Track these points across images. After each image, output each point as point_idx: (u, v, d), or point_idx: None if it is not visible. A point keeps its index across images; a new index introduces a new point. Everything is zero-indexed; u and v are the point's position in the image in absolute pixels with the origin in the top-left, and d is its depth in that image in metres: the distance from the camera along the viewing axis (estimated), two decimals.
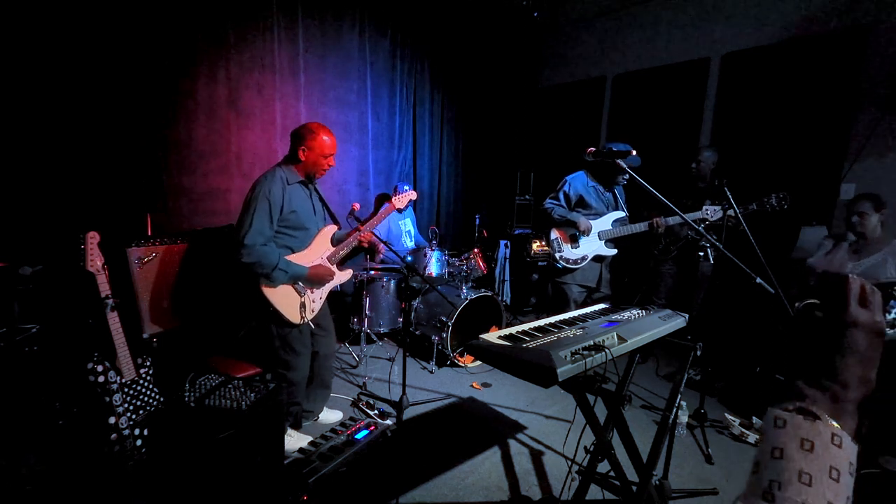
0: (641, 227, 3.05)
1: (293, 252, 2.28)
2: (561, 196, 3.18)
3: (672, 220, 3.02)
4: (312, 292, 2.36)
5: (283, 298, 2.23)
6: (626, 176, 3.02)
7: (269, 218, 2.15)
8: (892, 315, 2.06)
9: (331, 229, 2.46)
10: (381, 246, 2.63)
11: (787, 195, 2.65)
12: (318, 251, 2.38)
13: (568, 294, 3.19)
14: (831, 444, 0.46)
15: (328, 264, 2.39)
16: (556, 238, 3.18)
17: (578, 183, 3.17)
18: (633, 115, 4.89)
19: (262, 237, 2.13)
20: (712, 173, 3.48)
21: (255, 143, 3.52)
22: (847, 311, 0.51)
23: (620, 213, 3.19)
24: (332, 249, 2.42)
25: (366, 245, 2.48)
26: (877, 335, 0.50)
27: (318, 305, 2.41)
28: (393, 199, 2.70)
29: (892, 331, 1.76)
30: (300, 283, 2.28)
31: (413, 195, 2.81)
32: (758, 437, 2.55)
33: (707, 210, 2.87)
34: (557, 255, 3.16)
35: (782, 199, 2.65)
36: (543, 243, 3.29)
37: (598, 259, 3.17)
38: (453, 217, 5.34)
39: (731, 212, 2.40)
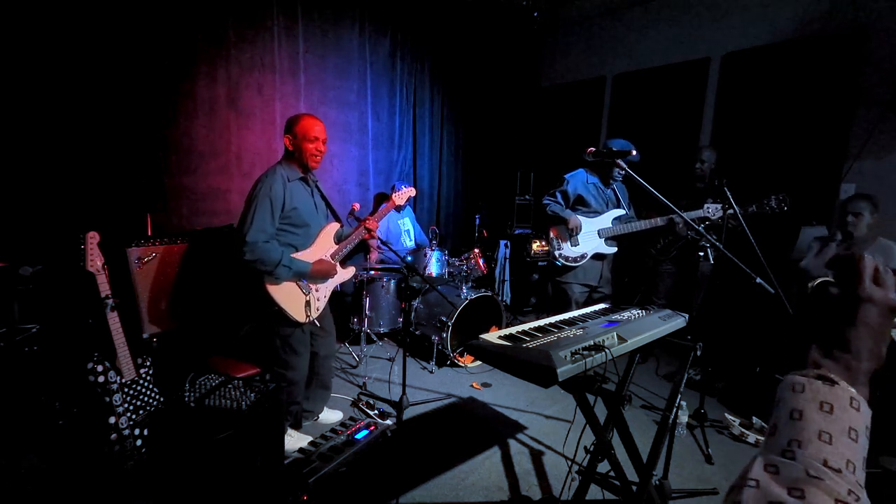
0: (652, 223, 3.00)
1: (297, 250, 2.29)
2: (558, 194, 3.19)
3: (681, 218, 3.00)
4: (317, 290, 2.37)
5: (288, 297, 2.24)
6: (623, 171, 3.01)
7: (271, 215, 2.16)
8: None
9: (333, 227, 2.46)
10: (375, 242, 2.65)
11: (787, 197, 2.64)
12: (321, 249, 2.38)
13: (569, 294, 3.19)
14: (850, 406, 0.48)
15: (332, 261, 2.40)
16: (554, 237, 3.18)
17: (578, 181, 3.17)
18: (633, 115, 4.89)
19: (265, 234, 2.14)
20: (712, 173, 3.49)
21: (255, 143, 3.52)
22: (862, 287, 0.53)
23: (621, 211, 3.18)
24: (336, 247, 2.43)
25: (373, 237, 2.48)
26: (890, 311, 0.53)
27: (322, 304, 2.41)
28: (392, 196, 2.70)
29: None
30: (304, 281, 2.29)
31: (412, 192, 2.82)
32: (758, 437, 2.56)
33: (708, 208, 2.86)
34: (557, 253, 3.16)
35: (782, 200, 2.64)
36: (543, 243, 3.29)
37: (598, 257, 3.17)
38: (453, 217, 5.34)
39: (730, 211, 2.40)
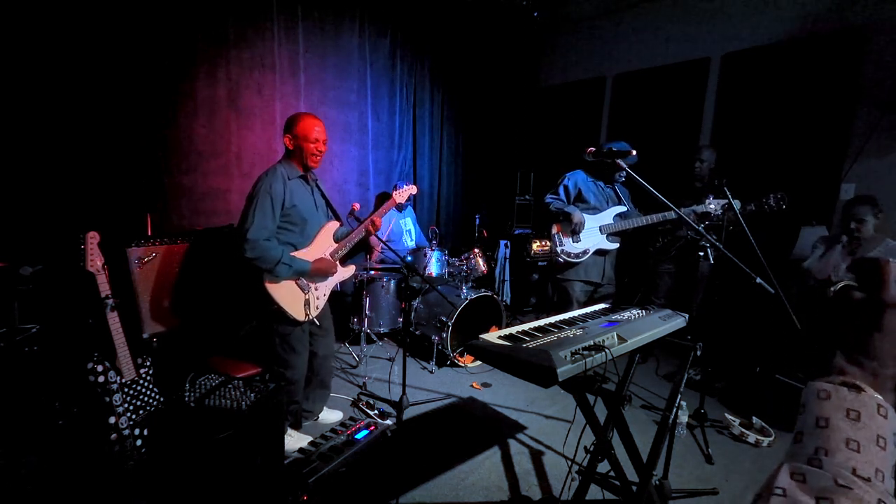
0: (654, 218, 2.97)
1: (296, 248, 2.29)
2: (560, 190, 3.19)
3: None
4: (316, 289, 2.37)
5: (287, 296, 2.24)
6: (624, 173, 3.02)
7: (272, 213, 2.17)
8: None
9: (333, 226, 2.47)
10: (375, 239, 2.65)
11: (786, 195, 2.65)
12: (321, 247, 2.38)
13: (571, 293, 3.18)
14: (877, 413, 0.47)
15: (331, 260, 2.40)
16: (556, 233, 3.18)
17: (578, 178, 3.19)
18: (633, 115, 4.89)
19: (266, 232, 2.15)
20: (711, 173, 3.49)
21: (255, 143, 3.52)
22: (887, 292, 0.52)
23: (622, 208, 3.18)
24: (336, 245, 2.43)
25: (374, 232, 2.48)
26: None
27: (322, 303, 2.41)
28: (394, 195, 2.70)
29: None
30: (303, 279, 2.29)
31: (413, 189, 2.82)
32: (758, 437, 2.56)
33: (710, 203, 2.85)
34: (559, 250, 3.15)
35: (780, 199, 2.65)
36: (544, 243, 3.29)
37: (600, 253, 3.16)
38: (453, 217, 5.34)
39: (730, 212, 2.40)
